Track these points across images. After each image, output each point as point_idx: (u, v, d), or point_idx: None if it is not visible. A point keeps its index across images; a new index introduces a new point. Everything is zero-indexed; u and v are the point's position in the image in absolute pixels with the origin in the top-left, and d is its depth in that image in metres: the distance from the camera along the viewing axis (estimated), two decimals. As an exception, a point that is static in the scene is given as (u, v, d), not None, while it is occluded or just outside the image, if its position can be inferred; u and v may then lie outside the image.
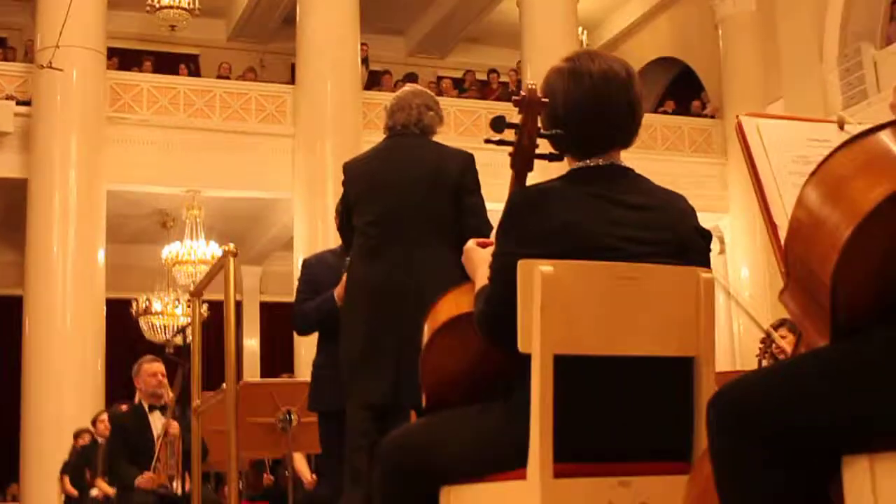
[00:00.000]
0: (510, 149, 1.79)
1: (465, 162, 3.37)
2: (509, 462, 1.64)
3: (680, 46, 13.85)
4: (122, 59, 11.79)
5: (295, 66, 11.30)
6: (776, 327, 4.56)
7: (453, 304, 1.92)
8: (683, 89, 13.59)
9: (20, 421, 9.73)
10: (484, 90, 12.89)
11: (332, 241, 9.74)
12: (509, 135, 1.80)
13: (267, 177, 10.71)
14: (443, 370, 1.92)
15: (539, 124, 1.76)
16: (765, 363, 4.70)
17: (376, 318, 3.31)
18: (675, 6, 13.61)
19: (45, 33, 9.76)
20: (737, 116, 1.66)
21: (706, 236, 1.86)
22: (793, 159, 1.57)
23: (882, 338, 1.11)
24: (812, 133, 1.64)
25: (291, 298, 9.02)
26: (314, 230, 10.23)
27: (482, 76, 13.44)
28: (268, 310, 13.23)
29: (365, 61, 11.87)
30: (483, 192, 3.35)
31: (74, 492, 8.19)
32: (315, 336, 4.10)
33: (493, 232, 1.85)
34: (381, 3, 12.10)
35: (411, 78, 11.82)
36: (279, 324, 11.81)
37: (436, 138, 3.46)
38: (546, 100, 1.75)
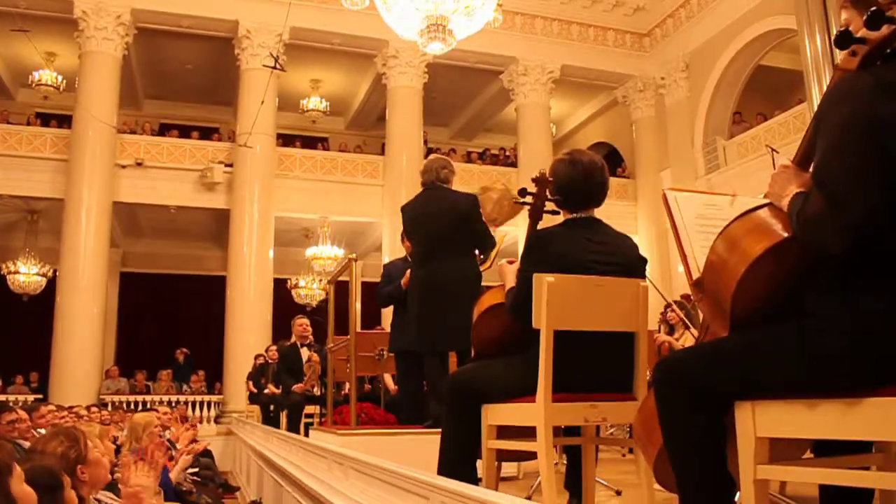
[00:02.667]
0: (528, 206, 2.58)
1: (472, 201, 4.39)
2: (525, 391, 2.38)
3: (610, 136, 17.13)
4: (285, 140, 15.07)
5: (385, 145, 14.59)
6: (667, 307, 5.80)
7: (493, 297, 2.74)
8: (611, 161, 15.09)
9: (224, 348, 13.05)
10: (495, 160, 16.43)
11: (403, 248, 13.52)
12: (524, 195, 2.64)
13: (367, 209, 14.22)
14: (485, 335, 2.76)
15: (547, 192, 2.54)
16: (663, 328, 6.15)
17: (424, 300, 4.43)
18: (608, 112, 17.08)
19: (241, 125, 13.30)
20: (663, 190, 2.16)
21: (644, 261, 2.66)
22: (696, 216, 2.04)
23: (759, 331, 1.55)
24: (708, 201, 2.11)
25: (377, 279, 13.74)
26: (393, 240, 12.69)
27: (495, 151, 17.09)
28: (366, 287, 14.55)
29: (425, 142, 15.10)
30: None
31: (255, 390, 10.30)
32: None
33: (519, 255, 2.55)
34: (434, 109, 15.31)
35: (452, 152, 15.73)
36: (372, 295, 13.99)
37: (461, 189, 4.63)
38: (552, 179, 2.52)
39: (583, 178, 2.59)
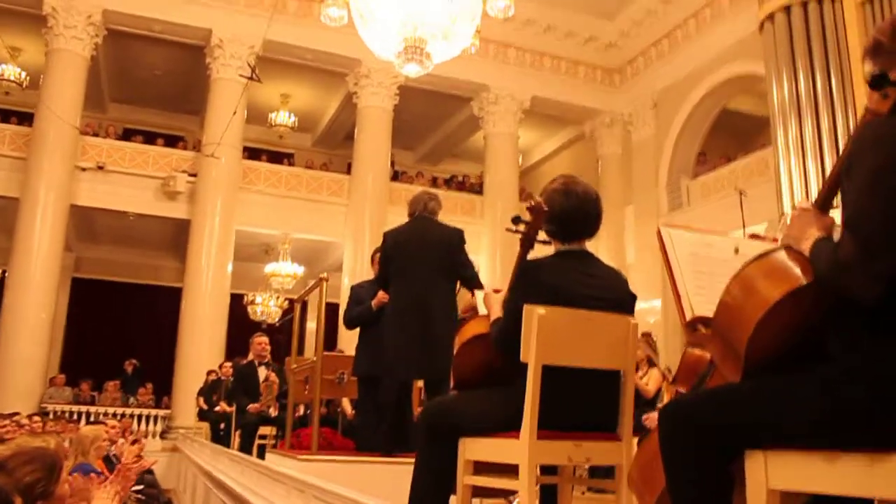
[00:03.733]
0: (520, 235, 2.49)
1: (457, 236, 4.60)
2: (506, 426, 2.32)
3: (575, 169, 15.89)
4: (251, 153, 14.90)
5: (351, 164, 14.58)
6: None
7: (475, 327, 2.68)
8: (576, 195, 16.15)
9: (175, 361, 12.73)
10: (461, 187, 16.49)
11: (365, 267, 12.19)
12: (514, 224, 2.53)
13: (330, 228, 14.07)
14: (466, 366, 2.68)
15: (539, 222, 2.46)
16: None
17: (406, 327, 4.44)
18: (573, 147, 17.42)
19: (208, 134, 13.07)
20: (658, 226, 2.12)
21: (633, 298, 2.63)
22: (690, 254, 1.99)
23: (776, 377, 1.51)
24: (703, 240, 2.06)
25: (338, 300, 13.59)
26: (354, 261, 13.33)
27: (459, 178, 17.12)
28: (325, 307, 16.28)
29: (392, 164, 15.03)
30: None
31: (205, 406, 10.10)
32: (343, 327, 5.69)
33: (508, 285, 2.53)
34: (402, 131, 15.07)
35: (418, 176, 16.00)
36: (329, 316, 12.17)
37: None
38: (546, 208, 2.44)
39: (577, 209, 2.55)
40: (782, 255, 1.56)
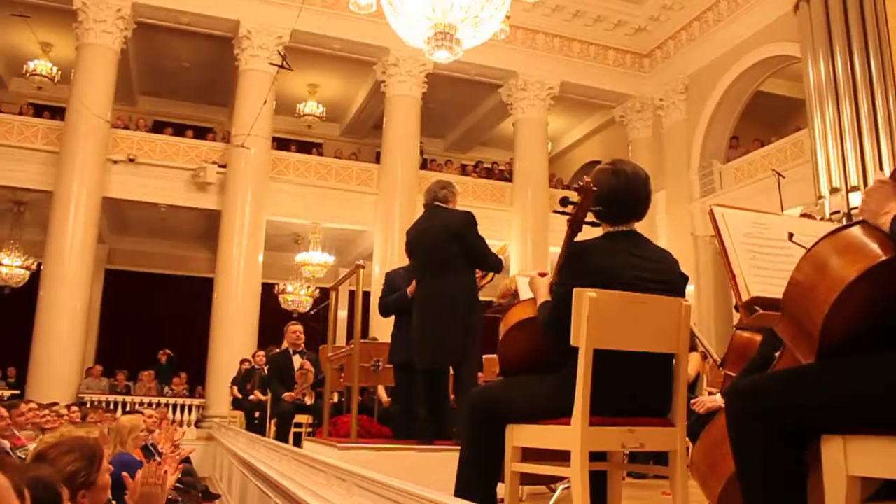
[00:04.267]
0: (568, 217, 2.40)
1: (465, 218, 4.49)
2: (556, 413, 2.26)
3: (606, 154, 15.38)
4: (280, 144, 14.84)
5: (380, 154, 14.54)
6: None
7: (521, 312, 2.62)
8: (607, 181, 15.88)
9: (209, 350, 12.86)
10: (490, 174, 16.26)
11: (395, 255, 12.56)
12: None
13: (360, 217, 14.14)
14: (512, 351, 2.62)
15: (589, 203, 2.37)
16: None
17: (419, 318, 4.48)
18: (603, 132, 17.19)
19: (237, 125, 13.20)
20: (710, 207, 2.06)
21: (685, 279, 2.58)
22: (744, 234, 1.94)
23: (855, 358, 1.45)
24: (756, 219, 2.01)
25: (369, 289, 13.73)
26: (384, 250, 13.43)
27: (488, 165, 16.98)
28: (354, 295, 16.17)
29: (421, 152, 15.05)
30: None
31: (239, 395, 10.20)
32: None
33: (555, 268, 2.48)
34: (431, 120, 15.20)
35: (447, 164, 16.00)
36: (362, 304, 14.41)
37: (460, 203, 4.73)
38: (595, 188, 2.36)
39: (626, 189, 2.50)
40: (858, 231, 1.49)
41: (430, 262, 4.48)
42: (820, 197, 10.03)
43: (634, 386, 2.36)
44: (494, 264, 4.56)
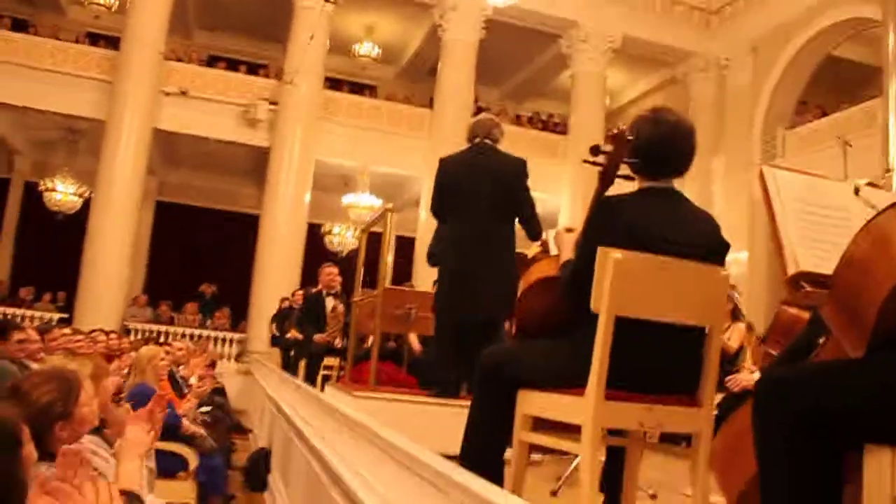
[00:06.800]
0: (599, 168, 2.21)
1: (522, 165, 4.28)
2: (569, 381, 2.07)
3: None
4: (332, 84, 14.76)
5: (433, 99, 14.38)
6: None
7: (544, 269, 2.42)
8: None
9: (251, 287, 13.00)
10: (544, 126, 16.31)
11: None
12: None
13: (409, 162, 13.98)
14: (529, 312, 2.46)
15: (623, 153, 2.17)
16: None
17: (460, 264, 4.24)
18: (664, 90, 16.54)
19: (290, 62, 13.15)
20: (760, 167, 1.87)
21: (726, 246, 2.32)
22: (796, 199, 1.74)
23: None
24: (814, 184, 1.80)
25: (414, 234, 13.74)
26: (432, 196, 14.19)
27: (543, 117, 17.02)
28: (400, 241, 13.93)
29: (475, 100, 14.73)
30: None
31: (277, 333, 10.21)
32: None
33: (582, 223, 2.24)
34: (487, 67, 14.67)
35: (502, 114, 15.37)
36: (405, 249, 13.59)
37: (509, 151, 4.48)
38: (631, 137, 2.17)
39: (667, 141, 2.24)
40: None
41: (472, 204, 4.17)
42: (888, 170, 9.58)
43: (659, 360, 2.13)
44: (536, 229, 4.24)
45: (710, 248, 2.27)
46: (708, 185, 14.45)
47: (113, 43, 13.57)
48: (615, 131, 2.21)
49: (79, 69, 13.03)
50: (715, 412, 2.26)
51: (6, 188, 16.25)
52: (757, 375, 2.51)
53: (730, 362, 5.07)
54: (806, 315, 2.75)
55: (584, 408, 2.01)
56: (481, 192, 4.15)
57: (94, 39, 14.39)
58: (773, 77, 13.82)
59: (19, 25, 14.23)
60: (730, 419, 1.94)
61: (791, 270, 1.58)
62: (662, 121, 2.27)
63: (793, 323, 2.81)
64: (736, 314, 5.16)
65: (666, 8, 15.07)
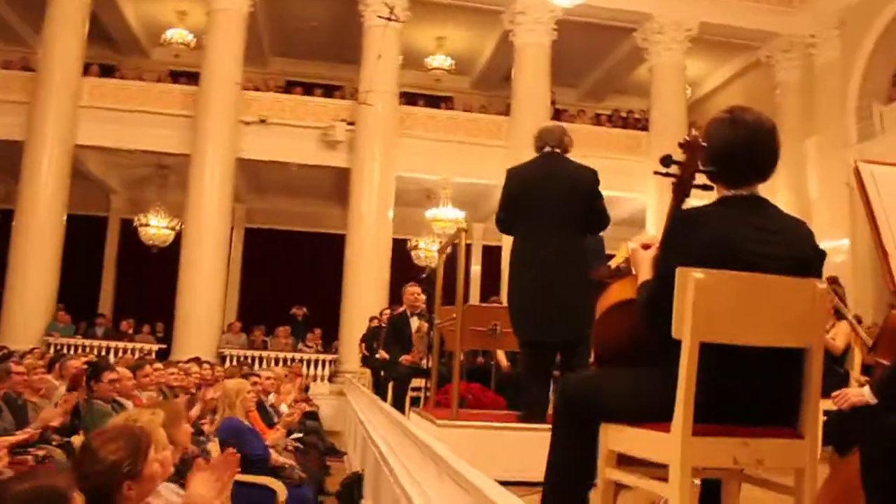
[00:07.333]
0: (673, 179, 2.04)
1: (595, 177, 4.07)
2: (656, 416, 1.89)
3: (750, 100, 14.53)
4: (408, 99, 14.94)
5: (510, 106, 14.30)
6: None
7: (620, 291, 2.22)
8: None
9: (340, 307, 13.21)
10: (625, 123, 15.92)
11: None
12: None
13: (489, 170, 13.17)
14: (608, 338, 2.27)
15: (698, 162, 2.01)
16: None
17: (532, 280, 4.05)
18: (747, 76, 16.03)
19: (363, 82, 13.25)
20: (854, 162, 1.84)
21: (822, 255, 2.09)
22: None
23: None
24: None
25: (500, 243, 13.56)
26: None
27: (623, 114, 16.63)
28: (487, 250, 15.95)
29: (552, 103, 14.65)
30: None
31: (367, 353, 9.93)
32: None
33: (660, 240, 2.08)
34: (562, 68, 14.50)
35: (581, 114, 15.48)
36: (493, 258, 14.18)
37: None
38: (705, 144, 2.00)
39: (746, 144, 2.03)
40: None
41: (551, 216, 3.97)
42: None
43: (753, 388, 1.93)
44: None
45: (804, 259, 2.05)
46: (802, 169, 13.94)
47: (194, 79, 13.98)
48: (687, 138, 2.01)
49: (163, 107, 13.49)
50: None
51: (104, 226, 16.93)
52: (867, 390, 2.25)
53: (836, 361, 4.73)
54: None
55: (671, 445, 1.82)
56: (554, 204, 3.97)
57: (175, 77, 14.88)
58: (865, 51, 13.13)
59: (106, 71, 14.85)
60: (837, 466, 1.69)
61: (900, 277, 1.27)
62: (740, 122, 2.06)
63: (905, 330, 2.53)
64: (839, 311, 4.77)
65: (742, -11, 14.46)
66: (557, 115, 15.16)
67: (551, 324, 3.91)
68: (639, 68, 15.70)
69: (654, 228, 13.08)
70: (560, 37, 14.01)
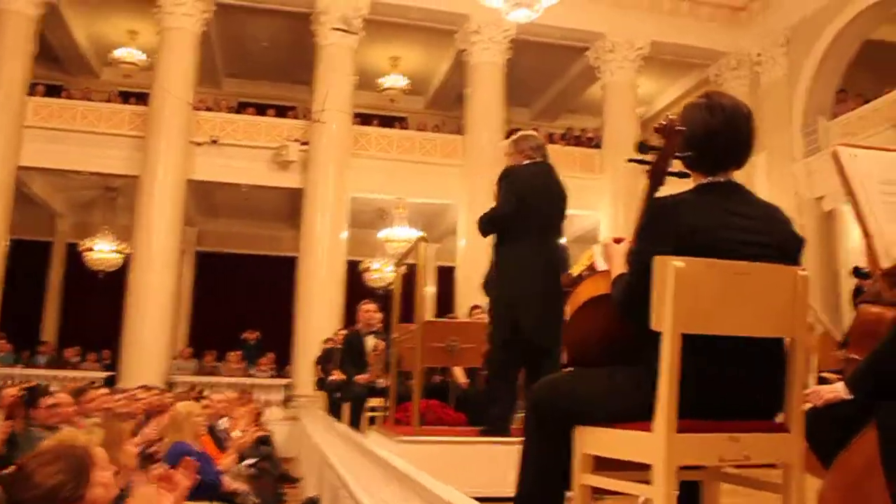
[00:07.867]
0: (648, 166, 1.97)
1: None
2: (635, 415, 1.81)
3: None
4: (363, 119, 14.81)
5: (464, 125, 14.22)
6: None
7: (592, 287, 2.12)
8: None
9: (293, 330, 12.82)
10: (578, 142, 15.78)
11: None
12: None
13: (444, 190, 13.83)
14: (581, 337, 2.15)
15: (674, 148, 1.94)
16: None
17: (550, 285, 3.98)
18: (698, 92, 15.58)
19: (317, 101, 13.08)
20: (834, 147, 1.80)
21: (800, 241, 2.05)
22: (881, 181, 1.63)
23: None
24: (893, 160, 1.68)
25: (454, 263, 13.50)
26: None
27: (576, 132, 16.55)
28: (440, 271, 14.97)
29: (507, 122, 14.24)
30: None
31: (322, 374, 9.62)
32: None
33: (633, 231, 1.99)
34: (516, 88, 14.58)
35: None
36: (446, 279, 13.99)
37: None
38: (683, 128, 1.93)
39: (723, 130, 1.98)
40: None
41: (547, 225, 4.21)
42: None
43: (737, 381, 1.86)
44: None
45: (783, 245, 1.99)
46: (751, 184, 13.89)
47: (143, 99, 13.70)
48: (664, 122, 1.94)
49: (112, 127, 13.16)
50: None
51: (49, 251, 16.45)
52: (840, 386, 2.18)
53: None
54: (890, 314, 2.42)
55: (654, 444, 1.72)
56: (553, 214, 4.22)
57: (125, 98, 14.57)
58: (810, 67, 13.36)
59: (53, 90, 14.48)
60: (842, 459, 1.66)
61: (885, 263, 1.43)
62: (717, 107, 2.02)
63: (876, 323, 2.46)
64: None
65: (693, 9, 14.71)
66: (511, 134, 14.94)
67: (539, 328, 3.98)
68: (591, 87, 15.80)
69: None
70: (514, 56, 14.04)
